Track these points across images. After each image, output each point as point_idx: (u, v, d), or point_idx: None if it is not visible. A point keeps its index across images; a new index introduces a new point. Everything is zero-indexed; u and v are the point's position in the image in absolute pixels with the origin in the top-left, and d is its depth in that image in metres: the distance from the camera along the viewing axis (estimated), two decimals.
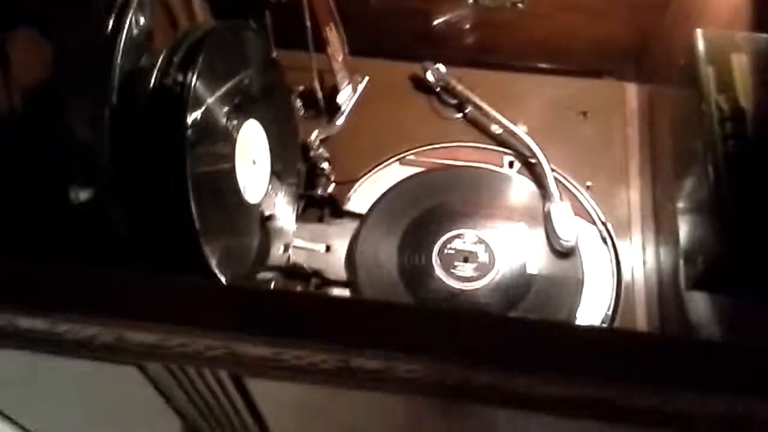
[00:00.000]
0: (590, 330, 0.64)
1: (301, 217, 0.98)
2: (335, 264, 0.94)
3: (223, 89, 0.74)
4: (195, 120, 0.67)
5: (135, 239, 0.65)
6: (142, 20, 0.64)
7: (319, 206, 0.99)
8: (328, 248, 0.95)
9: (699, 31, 0.69)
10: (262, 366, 0.46)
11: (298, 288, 0.91)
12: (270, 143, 0.86)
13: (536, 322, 0.62)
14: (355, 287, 0.91)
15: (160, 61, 0.68)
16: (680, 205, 0.74)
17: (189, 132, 0.66)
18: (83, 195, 0.62)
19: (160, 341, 0.45)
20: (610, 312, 0.89)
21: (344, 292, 0.91)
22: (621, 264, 0.92)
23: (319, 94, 1.01)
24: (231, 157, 0.75)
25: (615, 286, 0.91)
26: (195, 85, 0.67)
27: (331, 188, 0.99)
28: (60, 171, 0.61)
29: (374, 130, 1.04)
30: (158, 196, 0.66)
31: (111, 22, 0.60)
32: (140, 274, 0.47)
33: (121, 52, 0.60)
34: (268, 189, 0.85)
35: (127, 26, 0.61)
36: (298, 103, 1.03)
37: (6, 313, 0.45)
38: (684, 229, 0.72)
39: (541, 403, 0.45)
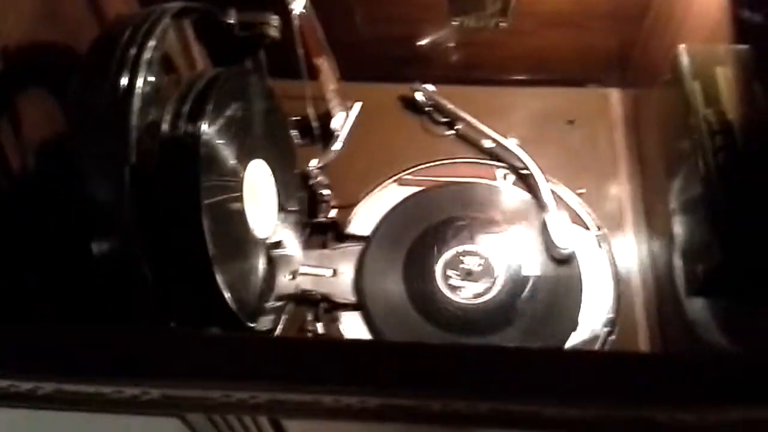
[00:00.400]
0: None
1: (305, 245, 1.00)
2: (342, 287, 0.96)
3: (230, 134, 0.76)
4: (207, 168, 0.69)
5: (158, 291, 0.67)
6: (150, 78, 0.65)
7: (322, 232, 1.01)
8: (334, 272, 0.97)
9: (682, 47, 0.73)
10: (302, 409, 0.49)
11: (309, 314, 0.93)
12: (274, 178, 0.88)
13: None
14: (364, 309, 0.93)
15: (168, 113, 0.70)
16: (673, 207, 0.77)
17: (202, 181, 0.68)
18: (107, 250, 0.64)
19: (205, 394, 0.47)
20: (611, 315, 0.92)
21: (353, 315, 0.94)
22: (618, 268, 0.96)
23: (314, 123, 1.03)
24: (240, 199, 0.77)
25: (614, 290, 0.94)
26: (205, 134, 0.69)
27: (332, 213, 1.01)
28: (81, 230, 0.63)
29: (370, 153, 1.06)
30: (177, 246, 0.68)
31: (124, 82, 0.62)
32: (184, 331, 0.49)
33: (136, 111, 0.62)
34: (276, 224, 0.87)
35: (140, 85, 0.63)
36: (293, 131, 1.05)
37: (51, 381, 0.47)
38: (680, 234, 0.75)
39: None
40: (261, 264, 0.84)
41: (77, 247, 0.63)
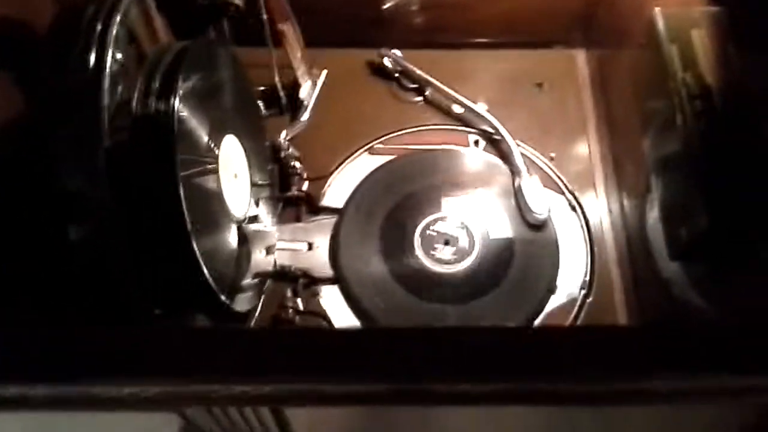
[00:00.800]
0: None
1: (279, 218, 0.98)
2: (320, 261, 0.95)
3: (202, 109, 0.73)
4: (182, 145, 0.67)
5: (138, 272, 0.65)
6: (118, 55, 0.62)
7: (295, 205, 0.99)
8: (310, 246, 0.96)
9: (657, 10, 0.72)
10: (304, 398, 0.48)
11: (288, 290, 0.92)
12: (245, 153, 0.86)
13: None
14: (343, 283, 0.93)
15: (137, 90, 0.67)
16: (650, 168, 0.78)
17: (179, 158, 0.65)
18: (84, 233, 0.61)
19: (206, 391, 0.46)
20: (587, 278, 0.93)
21: (332, 289, 0.93)
22: (591, 229, 0.97)
23: (281, 92, 1.01)
24: (217, 176, 0.75)
25: (588, 252, 0.96)
26: (178, 110, 0.67)
27: (305, 186, 0.99)
28: (57, 215, 0.60)
29: (339, 122, 1.04)
30: (156, 224, 0.66)
31: (93, 60, 0.59)
32: (183, 328, 0.47)
33: (106, 90, 0.59)
34: (250, 200, 0.85)
35: (108, 62, 0.60)
36: (259, 102, 1.02)
37: (45, 384, 0.46)
38: (658, 195, 0.76)
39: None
40: (238, 242, 0.82)
41: (54, 233, 0.61)
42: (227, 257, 0.78)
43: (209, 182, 0.74)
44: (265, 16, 0.88)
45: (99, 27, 0.60)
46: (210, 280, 0.70)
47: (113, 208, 0.60)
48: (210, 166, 0.74)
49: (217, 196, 0.75)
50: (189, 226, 0.66)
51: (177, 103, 0.68)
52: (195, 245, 0.67)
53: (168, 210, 0.65)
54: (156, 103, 0.68)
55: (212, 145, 0.76)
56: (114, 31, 0.61)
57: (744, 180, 0.62)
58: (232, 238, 0.79)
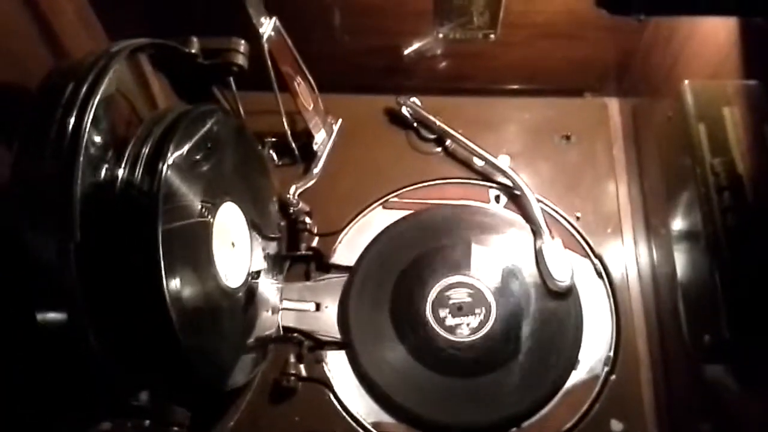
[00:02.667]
0: None
1: (287, 276, 0.94)
2: (327, 322, 0.91)
3: (196, 177, 0.70)
4: (169, 214, 0.63)
5: (112, 355, 0.61)
6: (96, 138, 0.59)
7: (304, 262, 0.95)
8: (318, 307, 0.92)
9: (686, 84, 0.66)
10: None
11: (291, 354, 0.88)
12: (247, 215, 0.82)
13: None
14: (350, 348, 0.88)
15: (127, 156, 0.64)
16: (675, 244, 0.71)
17: (161, 237, 0.62)
18: (53, 320, 0.58)
19: None
20: (611, 353, 0.87)
21: (339, 354, 0.89)
22: (618, 299, 0.90)
23: (293, 144, 0.97)
24: (209, 249, 0.71)
25: (614, 324, 0.89)
26: (163, 189, 0.63)
27: (314, 242, 0.95)
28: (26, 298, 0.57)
29: (353, 173, 1.00)
30: (134, 308, 0.63)
31: (67, 149, 0.56)
32: None
33: (79, 179, 0.56)
34: (249, 269, 0.81)
35: (83, 149, 0.56)
36: (272, 152, 0.99)
37: None
38: (683, 277, 0.69)
39: None
40: (235, 312, 0.78)
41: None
42: (218, 332, 0.74)
43: (199, 253, 0.70)
44: (272, 71, 0.84)
45: (75, 113, 0.57)
46: (202, 375, 0.66)
47: (83, 300, 0.57)
48: (201, 236, 0.71)
49: (207, 268, 0.71)
50: (168, 302, 0.62)
51: (165, 169, 0.64)
52: (175, 322, 0.63)
53: (146, 284, 0.61)
54: (143, 169, 0.65)
55: (206, 214, 0.72)
56: (92, 114, 0.57)
57: None
58: (228, 311, 0.75)
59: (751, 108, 0.63)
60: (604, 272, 0.92)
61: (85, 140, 0.57)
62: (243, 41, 0.80)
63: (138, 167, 0.65)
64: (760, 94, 0.64)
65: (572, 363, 0.86)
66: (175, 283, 0.63)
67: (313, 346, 0.89)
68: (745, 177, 0.59)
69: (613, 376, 0.86)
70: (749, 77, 0.65)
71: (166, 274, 0.61)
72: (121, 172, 0.64)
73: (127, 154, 0.66)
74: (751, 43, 0.64)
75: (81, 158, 0.56)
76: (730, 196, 0.58)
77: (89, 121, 0.57)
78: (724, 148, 0.62)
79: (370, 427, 0.84)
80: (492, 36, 0.95)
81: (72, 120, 0.57)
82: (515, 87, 1.06)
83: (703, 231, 0.60)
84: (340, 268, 0.94)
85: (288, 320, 0.91)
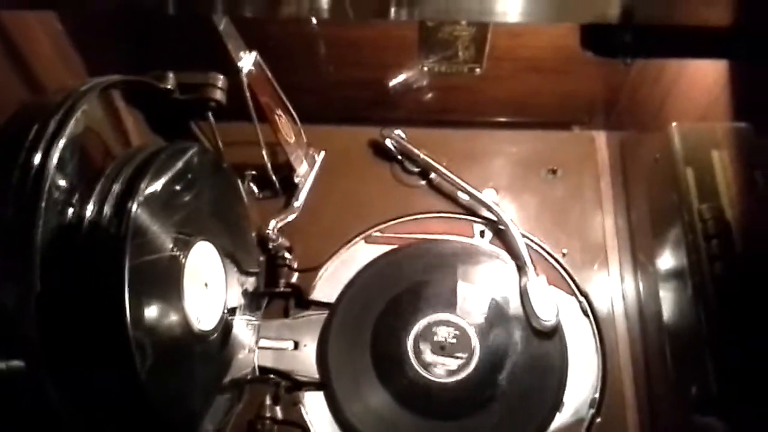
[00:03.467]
0: None
1: (265, 313, 0.91)
2: (305, 362, 0.88)
3: (168, 216, 0.67)
4: (137, 253, 0.61)
5: (72, 405, 0.58)
6: (61, 182, 0.57)
7: (283, 298, 0.92)
8: (296, 345, 0.89)
9: (674, 127, 0.64)
10: None
11: (268, 395, 0.85)
12: (224, 250, 0.79)
13: None
14: (328, 388, 0.86)
15: (90, 207, 0.61)
16: (662, 290, 0.70)
17: (128, 275, 0.59)
18: (10, 369, 0.55)
19: None
20: (597, 395, 0.85)
21: (317, 395, 0.86)
22: (605, 339, 0.88)
23: (274, 177, 0.95)
24: (179, 289, 0.69)
25: (600, 365, 0.87)
26: (132, 227, 0.61)
27: (294, 278, 0.92)
28: None
29: (335, 207, 0.98)
30: (97, 353, 0.60)
31: (29, 194, 0.53)
32: None
33: (40, 228, 0.53)
34: (224, 308, 0.78)
35: (46, 194, 0.54)
36: (252, 185, 0.97)
37: None
38: (670, 328, 0.68)
39: None
40: (208, 357, 0.75)
41: None
42: (188, 377, 0.71)
43: (168, 294, 0.67)
44: (251, 105, 0.82)
45: (38, 157, 0.55)
46: (164, 415, 0.63)
47: (40, 350, 0.54)
48: (170, 276, 0.68)
49: (177, 310, 0.68)
50: (133, 347, 0.59)
51: (135, 208, 0.62)
52: (138, 365, 0.60)
53: (110, 327, 0.58)
54: (112, 209, 0.62)
55: (177, 254, 0.69)
56: (54, 160, 0.55)
57: (758, 339, 0.53)
58: (195, 354, 0.72)
59: (741, 151, 0.62)
60: (590, 310, 0.90)
61: (48, 184, 0.55)
62: (221, 76, 0.78)
63: (106, 206, 0.63)
64: (749, 136, 0.62)
65: (557, 405, 0.84)
66: (140, 325, 0.60)
67: (290, 386, 0.86)
68: (734, 224, 0.58)
69: (599, 419, 0.83)
70: (738, 120, 0.63)
71: (131, 315, 0.59)
72: (88, 212, 0.61)
73: (95, 194, 0.63)
74: (740, 86, 0.63)
75: (43, 204, 0.54)
76: (719, 244, 0.57)
77: (53, 164, 0.55)
78: (713, 193, 0.60)
79: None
80: (478, 70, 0.93)
81: (35, 164, 0.55)
82: (501, 120, 1.05)
83: (690, 279, 0.58)
84: (320, 305, 0.92)
85: (265, 359, 0.88)
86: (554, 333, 0.87)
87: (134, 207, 0.62)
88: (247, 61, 0.79)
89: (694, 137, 0.63)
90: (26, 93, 0.78)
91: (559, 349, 0.87)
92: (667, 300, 0.68)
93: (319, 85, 0.99)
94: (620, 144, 0.99)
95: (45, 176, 0.54)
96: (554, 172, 0.99)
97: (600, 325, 0.89)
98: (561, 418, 0.84)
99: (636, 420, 0.83)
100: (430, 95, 1.01)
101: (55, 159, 0.55)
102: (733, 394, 0.54)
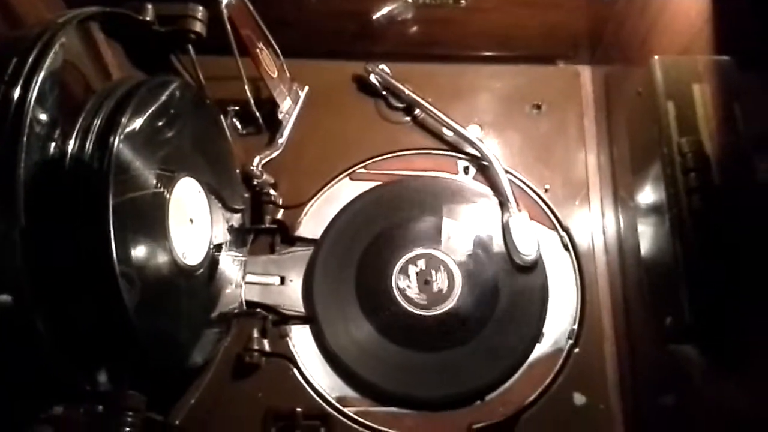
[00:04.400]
0: None
1: (251, 249, 0.92)
2: (291, 296, 0.90)
3: (151, 151, 0.67)
4: (120, 188, 0.61)
5: (61, 339, 0.59)
6: (42, 116, 0.56)
7: (269, 235, 0.93)
8: (282, 280, 0.91)
9: (656, 59, 0.64)
10: None
11: (255, 329, 0.86)
12: (208, 187, 0.79)
13: None
14: (314, 323, 0.87)
15: (77, 128, 0.61)
16: (641, 226, 0.71)
17: (112, 211, 0.59)
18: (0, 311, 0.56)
19: None
20: (576, 326, 0.87)
21: (303, 329, 0.88)
22: (584, 272, 0.90)
23: (257, 113, 0.94)
24: (164, 224, 0.69)
25: (579, 297, 0.89)
26: (114, 163, 0.61)
27: (279, 215, 0.93)
28: None
29: (319, 143, 0.97)
30: (84, 288, 0.60)
31: (9, 131, 0.53)
32: None
33: (23, 162, 0.53)
34: (209, 246, 0.79)
35: (27, 129, 0.54)
36: (235, 121, 0.96)
37: None
38: (647, 261, 0.69)
39: None
40: (195, 292, 0.76)
41: None
42: (176, 311, 0.72)
43: (154, 230, 0.68)
44: (232, 39, 0.80)
45: (17, 91, 0.54)
46: (157, 357, 0.65)
47: (28, 285, 0.54)
48: (155, 211, 0.68)
49: (163, 245, 0.69)
50: (120, 281, 0.60)
51: (117, 143, 0.62)
52: (126, 300, 0.60)
53: (96, 262, 0.59)
54: (94, 144, 0.62)
55: (162, 189, 0.69)
56: (34, 94, 0.54)
57: (733, 270, 0.54)
58: (181, 289, 0.73)
59: (722, 85, 0.62)
60: (570, 245, 0.91)
61: (29, 119, 0.54)
62: (200, 7, 0.77)
63: (88, 141, 0.62)
64: (731, 70, 0.62)
65: (536, 336, 0.86)
66: (126, 261, 0.61)
67: (277, 320, 0.88)
68: (713, 158, 0.58)
69: (577, 350, 0.86)
70: (721, 53, 0.63)
71: (117, 250, 0.59)
72: (70, 147, 0.61)
73: (77, 129, 0.63)
74: (723, 19, 0.63)
75: (25, 139, 0.53)
76: (696, 177, 0.57)
77: (33, 98, 0.54)
78: (692, 126, 0.60)
79: (334, 401, 0.83)
80: (463, 1, 0.92)
81: (15, 98, 0.54)
82: (487, 54, 1.04)
83: (668, 212, 0.59)
84: (305, 241, 0.93)
85: (252, 294, 0.89)
86: (535, 267, 0.89)
87: (116, 142, 0.62)
88: None
89: (675, 70, 0.63)
90: (3, 27, 0.76)
91: (540, 283, 0.89)
92: (646, 234, 0.69)
93: (302, 18, 0.97)
94: (605, 79, 0.99)
95: (25, 110, 0.54)
96: (539, 107, 0.99)
97: (580, 259, 0.90)
98: (540, 349, 0.86)
99: (613, 351, 0.86)
100: (414, 28, 0.99)
101: (35, 93, 0.54)
102: (707, 323, 0.55)
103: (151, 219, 0.68)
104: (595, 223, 0.92)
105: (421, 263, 0.89)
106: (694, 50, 0.66)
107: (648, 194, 0.67)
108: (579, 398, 0.83)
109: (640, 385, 0.81)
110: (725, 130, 0.59)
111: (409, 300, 0.87)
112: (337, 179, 0.96)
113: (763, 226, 0.55)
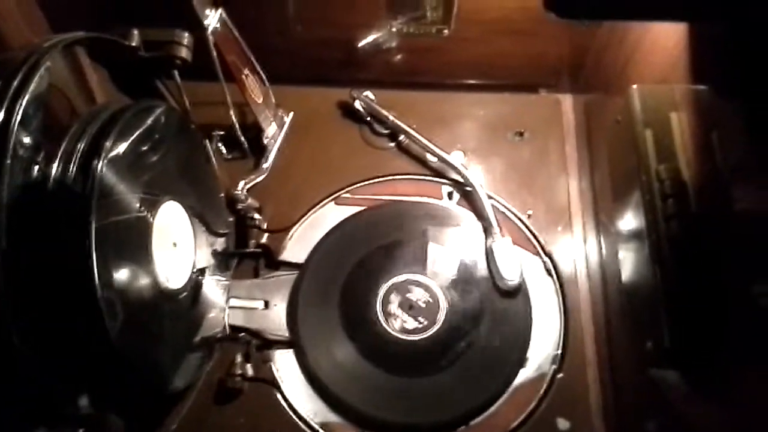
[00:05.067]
0: None
1: (235, 273, 0.92)
2: (276, 321, 0.89)
3: (135, 175, 0.67)
4: (103, 213, 0.61)
5: (43, 359, 0.59)
6: (26, 139, 0.56)
7: (253, 259, 0.93)
8: (266, 305, 0.90)
9: (634, 88, 0.65)
10: None
11: (238, 354, 0.86)
12: (192, 211, 0.80)
13: None
14: (298, 347, 0.87)
15: (61, 152, 0.61)
16: (621, 251, 0.71)
17: (95, 234, 0.59)
18: None
19: None
20: (559, 351, 0.87)
21: (287, 353, 0.87)
22: (567, 297, 0.90)
23: (242, 138, 0.94)
24: (147, 248, 0.69)
25: (563, 323, 0.89)
26: (98, 187, 0.61)
27: (264, 239, 0.93)
28: None
29: (305, 168, 0.98)
30: (66, 311, 0.60)
31: None
32: None
33: (5, 185, 0.53)
34: (192, 270, 0.79)
35: (11, 151, 0.54)
36: (220, 145, 0.97)
37: None
38: (627, 284, 0.70)
39: None
40: (177, 316, 0.76)
41: None
42: (158, 334, 0.72)
43: (136, 253, 0.68)
44: (218, 64, 0.81)
45: (1, 115, 0.54)
46: (133, 372, 0.64)
47: (6, 305, 0.54)
48: (138, 235, 0.68)
49: (145, 269, 0.68)
50: (102, 304, 0.59)
51: (100, 167, 0.62)
52: (108, 324, 0.60)
53: (78, 285, 0.58)
54: (77, 168, 0.62)
55: (145, 213, 0.70)
56: (18, 118, 0.55)
57: (711, 294, 0.55)
58: (164, 312, 0.73)
59: (699, 113, 0.63)
60: (553, 270, 0.92)
61: (12, 142, 0.54)
62: (186, 33, 0.77)
63: (72, 165, 0.62)
64: (708, 99, 0.63)
65: (521, 361, 0.87)
66: (109, 284, 0.61)
67: (260, 345, 0.88)
68: (690, 184, 0.59)
69: (561, 375, 0.86)
70: (698, 82, 0.65)
71: (99, 273, 0.59)
72: (54, 171, 0.61)
73: (60, 152, 0.63)
74: (699, 48, 0.64)
75: (8, 161, 0.53)
76: (674, 204, 0.58)
77: (17, 122, 0.55)
78: (670, 154, 0.61)
79: (317, 427, 0.83)
80: (446, 31, 0.94)
81: None
82: (470, 82, 1.05)
83: (648, 238, 0.60)
84: (289, 265, 0.93)
85: (236, 319, 0.89)
86: (518, 292, 0.89)
87: (100, 166, 0.62)
88: (212, 18, 0.79)
89: (653, 99, 0.64)
90: None
91: (524, 308, 0.89)
92: (626, 259, 0.70)
93: (288, 45, 0.98)
94: (585, 107, 1.01)
95: (9, 133, 0.54)
96: (521, 134, 1.01)
97: (563, 284, 0.91)
98: (524, 374, 0.86)
99: (596, 376, 0.86)
100: (399, 56, 1.01)
101: (19, 116, 0.55)
102: (686, 346, 0.56)
103: (134, 243, 0.68)
104: (577, 249, 0.93)
105: (406, 288, 0.89)
106: (671, 79, 0.68)
107: (628, 220, 0.68)
108: (563, 423, 0.83)
109: (624, 410, 0.81)
110: (703, 157, 0.60)
111: (394, 325, 0.87)
112: (322, 204, 0.96)
113: (739, 252, 0.56)
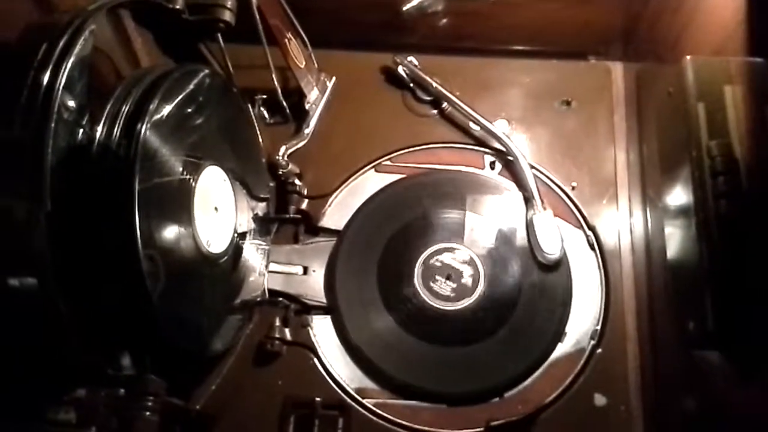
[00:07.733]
0: None
1: (275, 239, 0.93)
2: (314, 287, 0.90)
3: (178, 139, 0.68)
4: (146, 175, 0.61)
5: (85, 321, 0.60)
6: (70, 102, 0.57)
7: (293, 224, 0.94)
8: (305, 270, 0.91)
9: (688, 59, 0.63)
10: None
11: (277, 318, 0.87)
12: (234, 175, 0.80)
13: None
14: (335, 313, 0.88)
15: (105, 115, 0.62)
16: (668, 227, 0.70)
17: (138, 198, 0.60)
18: (23, 285, 0.57)
19: None
20: (599, 327, 0.86)
21: (325, 319, 0.88)
22: (610, 272, 0.89)
23: (284, 103, 0.94)
24: (189, 212, 0.70)
25: (604, 298, 0.88)
26: (141, 150, 0.61)
27: (304, 204, 0.93)
28: None
29: (346, 135, 0.97)
30: (108, 273, 0.61)
31: (38, 114, 0.54)
32: None
33: (50, 147, 0.54)
34: (234, 234, 0.79)
35: (55, 114, 0.54)
36: (262, 110, 0.96)
37: None
38: (672, 264, 0.68)
39: None
40: (218, 280, 0.77)
41: None
42: (198, 298, 0.73)
43: (179, 217, 0.68)
44: (261, 28, 0.81)
45: (46, 76, 0.55)
46: (174, 335, 0.65)
47: (51, 267, 0.55)
48: (181, 199, 0.69)
49: (187, 233, 0.69)
50: (144, 267, 0.60)
51: (144, 131, 0.62)
52: (150, 286, 0.61)
53: (120, 247, 0.59)
54: (121, 131, 0.63)
55: (188, 177, 0.70)
56: (63, 79, 0.55)
57: (759, 277, 0.53)
58: (205, 276, 0.74)
59: (754, 88, 0.60)
60: (596, 244, 0.90)
61: (57, 104, 0.55)
62: None
63: (116, 128, 0.63)
64: (764, 72, 0.61)
65: (559, 335, 0.86)
66: (151, 246, 0.62)
67: (299, 310, 0.88)
68: (742, 162, 0.57)
69: (599, 350, 0.85)
70: (754, 55, 0.62)
71: (142, 235, 0.60)
72: (98, 134, 0.62)
73: (104, 115, 0.63)
74: (758, 20, 0.61)
75: (53, 124, 0.54)
76: (725, 182, 0.56)
77: (62, 84, 0.55)
78: (723, 129, 0.59)
79: (353, 392, 0.84)
80: None
81: (44, 83, 0.55)
82: (516, 48, 1.03)
83: (695, 216, 0.58)
84: (329, 232, 0.93)
85: (275, 283, 0.90)
86: (559, 265, 0.88)
87: (143, 129, 0.62)
88: None
89: (707, 71, 0.62)
90: (35, 14, 0.77)
91: (564, 281, 0.88)
92: (672, 236, 0.68)
93: (330, 8, 0.97)
94: (636, 76, 0.97)
95: (54, 95, 0.54)
96: (568, 103, 0.98)
97: (606, 258, 0.89)
98: (562, 348, 0.86)
99: (636, 352, 0.85)
100: (444, 21, 0.98)
101: (63, 78, 0.55)
102: (730, 330, 0.54)
103: (176, 205, 0.69)
104: (622, 223, 0.91)
105: (445, 257, 0.89)
106: (727, 51, 0.65)
107: (676, 196, 0.66)
108: (600, 399, 0.82)
109: (662, 388, 0.80)
110: (756, 133, 0.58)
111: (432, 293, 0.87)
112: (362, 171, 0.96)
113: None
